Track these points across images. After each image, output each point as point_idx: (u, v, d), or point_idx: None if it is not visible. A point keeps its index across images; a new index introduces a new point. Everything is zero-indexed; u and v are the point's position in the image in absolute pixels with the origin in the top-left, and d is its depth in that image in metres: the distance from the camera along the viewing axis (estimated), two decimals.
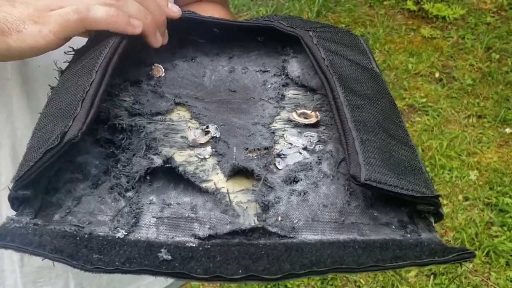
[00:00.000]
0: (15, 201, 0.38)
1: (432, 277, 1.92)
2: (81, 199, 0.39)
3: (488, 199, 2.23)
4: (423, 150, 2.52)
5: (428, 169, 2.39)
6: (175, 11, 0.53)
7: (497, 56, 3.36)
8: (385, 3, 4.35)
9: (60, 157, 0.37)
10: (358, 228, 0.38)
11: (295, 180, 0.43)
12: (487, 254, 2.02)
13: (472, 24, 3.85)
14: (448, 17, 3.90)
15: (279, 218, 0.39)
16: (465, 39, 3.61)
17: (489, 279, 1.97)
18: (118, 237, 0.36)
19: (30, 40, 0.44)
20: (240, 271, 0.34)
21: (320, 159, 0.45)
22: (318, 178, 0.43)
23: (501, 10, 4.12)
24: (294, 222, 0.39)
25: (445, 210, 2.20)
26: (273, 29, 0.57)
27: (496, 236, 2.08)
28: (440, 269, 1.95)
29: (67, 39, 0.46)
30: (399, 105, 2.90)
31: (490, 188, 2.28)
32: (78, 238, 0.36)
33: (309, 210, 0.40)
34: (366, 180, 0.37)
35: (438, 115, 2.80)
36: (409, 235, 0.38)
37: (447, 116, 2.81)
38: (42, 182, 0.39)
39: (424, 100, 2.93)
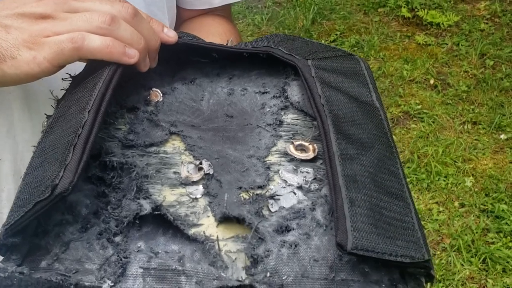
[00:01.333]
0: (3, 247, 0.37)
1: (428, 285, 1.91)
2: (69, 244, 0.39)
3: (484, 205, 2.23)
4: (418, 157, 2.52)
5: (424, 176, 2.39)
6: (170, 36, 0.52)
7: (491, 63, 3.38)
8: (379, 10, 4.37)
9: (50, 207, 0.37)
10: (348, 285, 0.37)
11: (287, 229, 0.41)
12: (484, 261, 2.02)
13: (466, 30, 3.87)
14: (443, 24, 3.92)
15: (268, 274, 0.38)
16: (460, 46, 3.63)
17: (486, 286, 1.96)
18: (104, 286, 0.36)
19: (25, 66, 0.44)
20: None
21: (314, 205, 0.43)
22: (311, 228, 0.41)
23: (495, 17, 4.15)
24: (283, 278, 0.38)
25: (441, 217, 2.20)
26: (271, 55, 0.56)
27: (493, 243, 2.07)
28: (437, 276, 1.94)
29: (61, 66, 0.46)
30: (395, 112, 2.91)
31: (486, 195, 2.28)
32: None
33: (299, 265, 0.39)
34: (352, 249, 0.36)
35: (433, 122, 2.81)
36: None
37: (442, 122, 2.81)
38: (31, 226, 0.39)
39: (419, 106, 2.93)
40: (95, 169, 0.43)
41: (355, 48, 3.64)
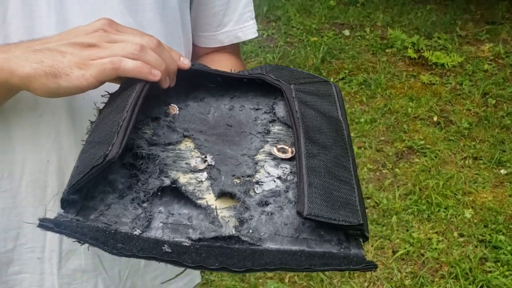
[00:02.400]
0: (65, 202, 0.52)
1: None
2: (110, 205, 0.54)
3: (483, 236, 2.32)
4: (420, 189, 2.63)
5: (424, 207, 2.50)
6: (185, 63, 0.67)
7: (494, 101, 3.51)
8: (387, 50, 4.56)
9: (101, 172, 0.52)
10: (307, 242, 0.52)
11: (266, 204, 0.56)
12: None
13: (470, 71, 4.03)
14: (447, 64, 4.09)
15: (250, 231, 0.53)
16: (463, 85, 3.77)
17: None
18: (135, 234, 0.51)
19: (76, 81, 0.58)
20: (216, 264, 0.48)
21: (287, 188, 0.58)
22: (284, 203, 0.56)
23: (498, 58, 4.31)
24: (261, 234, 0.52)
25: (440, 246, 2.29)
26: (264, 81, 0.71)
27: (490, 271, 2.16)
28: None
29: (103, 82, 0.61)
30: (399, 146, 3.04)
31: (485, 226, 2.38)
32: (107, 232, 0.50)
33: (274, 226, 0.53)
34: (307, 215, 0.50)
35: (435, 157, 2.93)
36: (342, 250, 0.51)
37: (444, 157, 2.93)
38: (84, 191, 0.53)
39: (422, 142, 3.06)
40: (129, 158, 0.58)
41: (363, 86, 3.81)
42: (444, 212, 2.47)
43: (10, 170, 0.73)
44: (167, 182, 0.56)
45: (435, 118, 3.34)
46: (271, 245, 0.51)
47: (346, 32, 5.10)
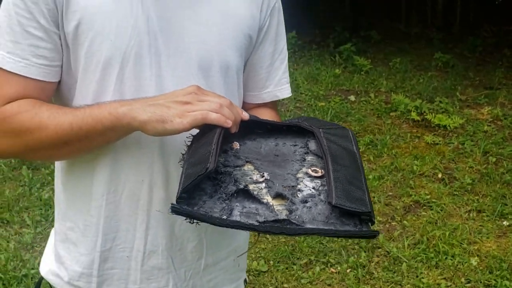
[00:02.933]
0: (179, 198, 0.76)
1: None
2: (205, 202, 0.78)
3: (488, 281, 2.45)
4: (428, 239, 2.79)
5: (432, 255, 2.64)
6: (246, 116, 0.92)
7: (494, 159, 3.72)
8: (391, 114, 4.85)
9: (200, 180, 0.75)
10: (334, 225, 0.76)
11: (306, 201, 0.80)
12: None
13: (471, 132, 4.28)
14: (449, 126, 4.35)
15: (297, 217, 0.77)
16: (465, 145, 4.00)
17: None
18: (223, 218, 0.75)
19: (176, 126, 0.82)
20: (277, 231, 0.73)
21: (320, 193, 0.83)
22: (317, 202, 0.81)
23: (497, 120, 4.57)
24: (304, 219, 0.77)
25: None
26: (299, 127, 0.96)
27: None
28: None
29: (193, 127, 0.85)
30: (406, 201, 3.23)
31: (490, 272, 2.51)
32: (207, 216, 0.74)
33: (311, 215, 0.77)
34: (335, 204, 0.75)
35: (441, 210, 3.10)
36: (357, 229, 0.76)
37: (450, 210, 3.10)
38: (189, 193, 0.77)
39: (428, 196, 3.25)
40: (213, 174, 0.81)
41: (370, 146, 4.04)
42: (451, 259, 2.61)
43: (116, 187, 0.96)
44: (240, 187, 0.80)
45: (439, 175, 3.54)
46: (310, 225, 0.75)
47: (352, 98, 5.42)
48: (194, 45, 0.95)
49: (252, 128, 0.97)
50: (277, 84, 1.12)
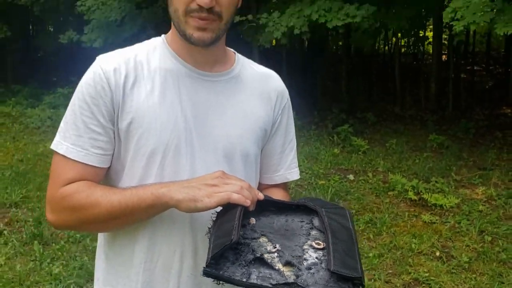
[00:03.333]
0: (209, 264, 0.93)
1: None
2: (228, 267, 0.94)
3: None
4: None
5: None
6: (261, 196, 1.10)
7: (490, 238, 3.85)
8: (389, 193, 5.02)
9: (227, 249, 0.92)
10: (332, 287, 0.93)
11: (310, 268, 0.97)
12: None
13: (466, 211, 4.43)
14: (445, 205, 4.50)
15: (302, 281, 0.93)
16: (461, 224, 4.14)
17: None
18: (243, 280, 0.90)
19: (206, 204, 0.99)
20: None
21: (321, 262, 0.99)
22: (320, 269, 0.97)
23: (491, 200, 4.74)
24: (308, 282, 0.93)
25: None
26: (306, 206, 1.14)
27: None
28: None
29: (219, 205, 1.03)
30: (406, 279, 3.32)
31: None
32: (231, 278, 0.91)
33: (314, 279, 0.94)
34: (333, 270, 0.92)
35: (439, 287, 3.19)
36: None
37: None
38: (215, 259, 0.93)
39: (427, 274, 3.34)
40: (235, 244, 0.98)
41: (369, 224, 4.18)
42: None
43: (152, 257, 1.12)
44: (257, 255, 0.97)
45: (437, 253, 3.66)
46: (313, 287, 0.92)
47: (351, 177, 5.62)
48: (220, 138, 1.16)
49: (266, 206, 1.14)
50: (287, 168, 1.31)
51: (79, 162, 1.08)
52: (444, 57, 11.31)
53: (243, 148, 1.18)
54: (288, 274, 0.95)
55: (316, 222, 1.12)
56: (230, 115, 1.17)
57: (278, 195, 1.28)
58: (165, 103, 1.11)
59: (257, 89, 1.23)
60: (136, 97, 1.10)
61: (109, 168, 1.14)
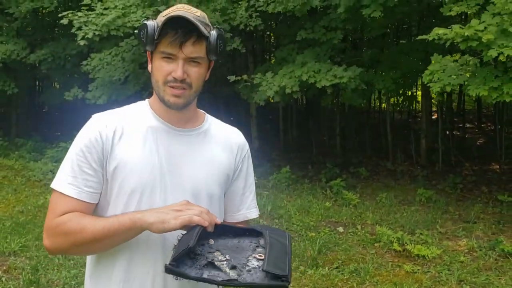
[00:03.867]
0: (171, 263, 1.17)
1: None
2: (186, 269, 1.20)
3: None
4: None
5: None
6: (218, 221, 1.34)
7: (467, 287, 4.01)
8: (375, 244, 5.19)
9: (185, 256, 1.19)
10: (268, 281, 1.19)
11: (250, 271, 1.22)
12: None
13: (448, 261, 4.60)
14: (427, 256, 4.68)
15: (242, 278, 1.19)
16: (442, 274, 4.30)
17: None
18: (197, 276, 1.18)
19: (172, 226, 1.25)
20: (229, 284, 1.17)
21: (260, 268, 1.23)
22: (258, 271, 1.22)
23: (473, 251, 4.91)
24: (247, 279, 1.19)
25: None
26: (254, 230, 1.39)
27: None
28: None
29: (183, 226, 1.27)
30: None
31: None
32: (186, 274, 1.18)
33: (252, 278, 1.20)
34: (265, 269, 1.18)
35: None
36: (279, 284, 1.18)
37: None
38: (176, 263, 1.18)
39: None
40: (191, 254, 1.22)
41: (354, 274, 4.34)
42: None
43: (129, 276, 1.36)
44: (209, 261, 1.23)
45: None
46: (252, 282, 1.19)
47: (340, 229, 5.80)
48: (189, 180, 1.42)
49: (226, 232, 1.39)
50: (247, 208, 1.57)
51: (73, 198, 1.34)
52: (436, 115, 11.73)
53: (208, 189, 1.45)
54: (233, 274, 1.20)
55: (261, 241, 1.37)
56: (198, 162, 1.44)
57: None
58: (144, 152, 1.38)
59: (222, 142, 1.51)
60: (122, 147, 1.37)
61: (96, 204, 1.39)
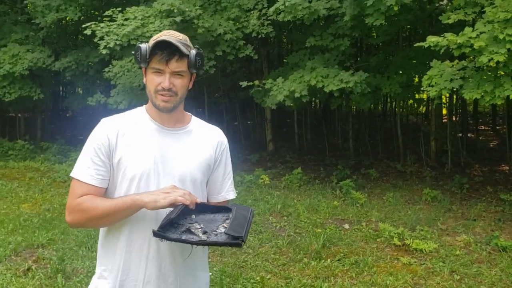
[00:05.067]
0: (159, 229, 1.55)
1: None
2: (169, 233, 1.57)
3: None
4: None
5: None
6: (198, 200, 1.69)
7: (458, 277, 4.29)
8: (377, 240, 5.49)
9: (169, 224, 1.56)
10: (228, 241, 1.58)
11: (217, 234, 1.59)
12: None
13: (444, 255, 4.88)
14: (424, 249, 4.97)
15: (210, 238, 1.57)
16: (436, 266, 4.59)
17: None
18: (177, 237, 1.55)
19: (161, 203, 1.60)
20: (197, 243, 1.57)
21: (226, 232, 1.59)
22: (223, 234, 1.59)
23: (469, 246, 5.17)
24: (213, 239, 1.59)
25: None
26: (227, 207, 1.74)
27: None
28: None
29: (171, 205, 1.62)
30: None
31: None
32: (168, 237, 1.56)
33: (217, 238, 1.59)
34: (226, 232, 1.56)
35: None
36: (237, 242, 1.54)
37: None
38: (163, 227, 1.55)
39: None
40: (175, 224, 1.58)
41: (353, 265, 4.66)
42: None
43: (130, 242, 1.73)
44: (186, 227, 1.58)
45: None
46: (215, 241, 1.55)
47: (346, 226, 6.11)
48: (177, 169, 1.78)
49: (205, 210, 1.74)
50: (226, 191, 1.95)
51: (88, 183, 1.72)
52: (453, 117, 11.90)
53: (192, 175, 1.81)
54: (203, 237, 1.57)
55: (231, 215, 1.71)
56: (184, 154, 1.81)
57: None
58: (141, 147, 1.76)
59: (204, 138, 1.89)
60: (125, 143, 1.75)
61: (106, 188, 1.76)
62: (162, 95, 1.74)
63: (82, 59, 11.19)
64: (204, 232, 1.59)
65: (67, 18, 11.73)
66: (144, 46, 1.74)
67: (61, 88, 16.89)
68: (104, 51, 7.50)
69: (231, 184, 1.97)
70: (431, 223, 6.02)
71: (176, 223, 1.60)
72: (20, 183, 8.67)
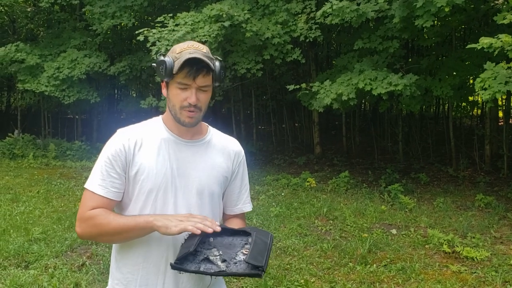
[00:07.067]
0: (176, 261, 1.57)
1: None
2: (187, 264, 1.59)
3: None
4: None
5: None
6: (218, 228, 1.61)
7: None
8: (426, 246, 5.37)
9: (188, 254, 1.58)
10: (250, 271, 1.57)
11: (236, 263, 1.58)
12: None
13: (496, 264, 4.70)
14: (476, 258, 4.81)
15: (230, 268, 1.57)
16: (488, 275, 4.44)
17: None
18: (195, 270, 1.58)
19: (172, 230, 1.57)
20: (218, 275, 1.58)
21: (246, 260, 1.58)
22: (242, 263, 1.57)
23: None
24: (232, 269, 1.58)
25: None
26: (246, 231, 1.73)
27: None
28: None
29: (180, 233, 1.57)
30: None
31: None
32: (186, 269, 1.58)
33: (237, 268, 1.58)
34: (247, 260, 1.56)
35: None
36: (257, 273, 1.56)
37: None
38: (181, 259, 1.57)
39: None
40: (193, 252, 1.58)
41: (400, 271, 4.58)
42: None
43: (148, 259, 1.72)
44: (205, 257, 1.59)
45: None
46: (234, 271, 1.56)
47: (394, 231, 6.00)
48: (194, 182, 1.78)
49: (223, 232, 1.71)
50: (243, 203, 1.94)
51: (102, 196, 1.70)
52: (510, 120, 11.40)
53: (210, 188, 1.80)
54: (222, 266, 1.58)
55: (250, 240, 1.70)
56: (202, 167, 1.80)
57: (237, 222, 1.92)
58: (158, 159, 1.74)
59: (221, 150, 1.87)
60: (141, 156, 1.73)
61: (120, 201, 1.75)
62: (188, 111, 1.71)
63: (135, 64, 11.58)
64: (223, 261, 1.60)
65: (122, 24, 12.15)
66: (169, 60, 1.70)
67: (116, 91, 17.48)
68: (155, 56, 7.73)
69: (248, 196, 1.96)
70: (484, 230, 5.82)
71: (194, 249, 1.61)
72: (77, 182, 9.07)
